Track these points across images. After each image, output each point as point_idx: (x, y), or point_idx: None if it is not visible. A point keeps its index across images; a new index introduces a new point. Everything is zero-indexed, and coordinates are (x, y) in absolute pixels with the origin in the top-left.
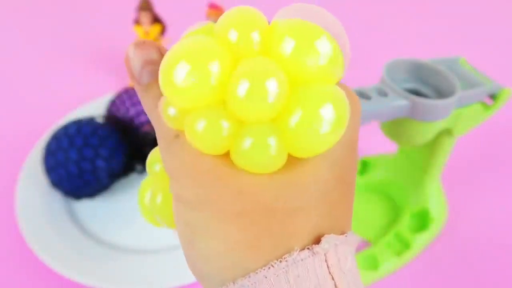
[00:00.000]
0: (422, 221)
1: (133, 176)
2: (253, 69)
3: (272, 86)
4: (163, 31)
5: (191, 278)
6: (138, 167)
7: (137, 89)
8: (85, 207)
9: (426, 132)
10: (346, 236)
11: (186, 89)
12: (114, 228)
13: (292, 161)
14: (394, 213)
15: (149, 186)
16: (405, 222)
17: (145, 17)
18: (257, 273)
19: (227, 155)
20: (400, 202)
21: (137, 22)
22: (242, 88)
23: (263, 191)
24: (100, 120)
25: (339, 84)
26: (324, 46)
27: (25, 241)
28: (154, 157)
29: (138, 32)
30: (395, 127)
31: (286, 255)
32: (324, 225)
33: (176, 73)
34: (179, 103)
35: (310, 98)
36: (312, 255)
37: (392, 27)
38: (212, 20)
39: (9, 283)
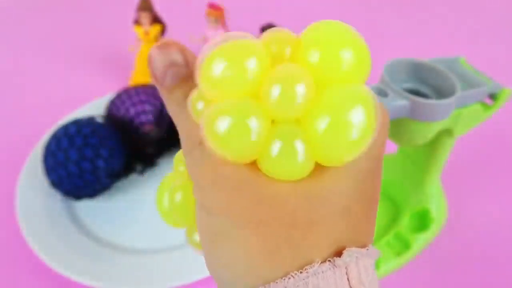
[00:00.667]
0: (422, 221)
1: (133, 176)
2: (284, 73)
3: (300, 89)
4: (163, 31)
5: (191, 278)
6: (138, 167)
7: (161, 91)
8: (85, 207)
9: (426, 132)
10: (367, 249)
11: (222, 79)
12: (114, 228)
13: (316, 172)
14: (394, 213)
15: (169, 185)
16: (405, 222)
17: (145, 17)
18: (277, 283)
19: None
20: (400, 202)
21: (137, 22)
22: (275, 91)
23: (285, 201)
24: (100, 120)
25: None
26: (347, 53)
27: (25, 241)
28: (180, 156)
29: (138, 32)
30: (395, 127)
31: (307, 267)
32: (345, 238)
33: (215, 66)
34: (212, 91)
35: (338, 100)
36: (333, 268)
37: (392, 27)
38: (212, 19)
39: (9, 283)
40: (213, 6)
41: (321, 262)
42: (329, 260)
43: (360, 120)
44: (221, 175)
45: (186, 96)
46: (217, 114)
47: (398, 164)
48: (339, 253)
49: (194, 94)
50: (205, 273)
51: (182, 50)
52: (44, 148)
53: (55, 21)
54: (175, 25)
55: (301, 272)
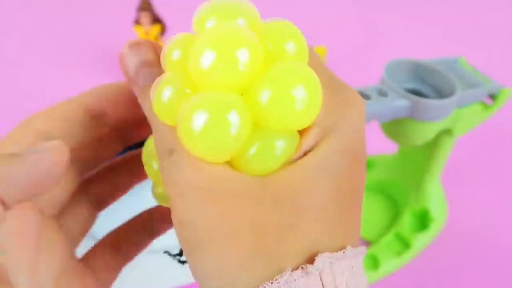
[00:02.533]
0: (422, 221)
1: None
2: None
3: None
4: (163, 31)
5: (190, 278)
6: None
7: (135, 91)
8: None
9: (426, 132)
10: (344, 252)
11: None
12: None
13: (286, 174)
14: (394, 213)
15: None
16: (405, 222)
17: (145, 17)
18: None
19: (217, 165)
20: (400, 202)
21: (137, 22)
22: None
23: (256, 207)
24: None
25: (341, 83)
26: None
27: None
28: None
29: (138, 32)
30: (395, 127)
31: (277, 276)
32: (321, 241)
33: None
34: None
35: (282, 77)
36: (306, 275)
37: (392, 27)
38: None
39: None
40: None
41: (293, 270)
42: (302, 267)
43: (301, 94)
44: (189, 186)
45: None
46: (194, 108)
47: (398, 164)
48: (313, 259)
49: (159, 82)
50: None
51: (155, 48)
52: None
53: (55, 21)
54: (175, 25)
55: (271, 283)
